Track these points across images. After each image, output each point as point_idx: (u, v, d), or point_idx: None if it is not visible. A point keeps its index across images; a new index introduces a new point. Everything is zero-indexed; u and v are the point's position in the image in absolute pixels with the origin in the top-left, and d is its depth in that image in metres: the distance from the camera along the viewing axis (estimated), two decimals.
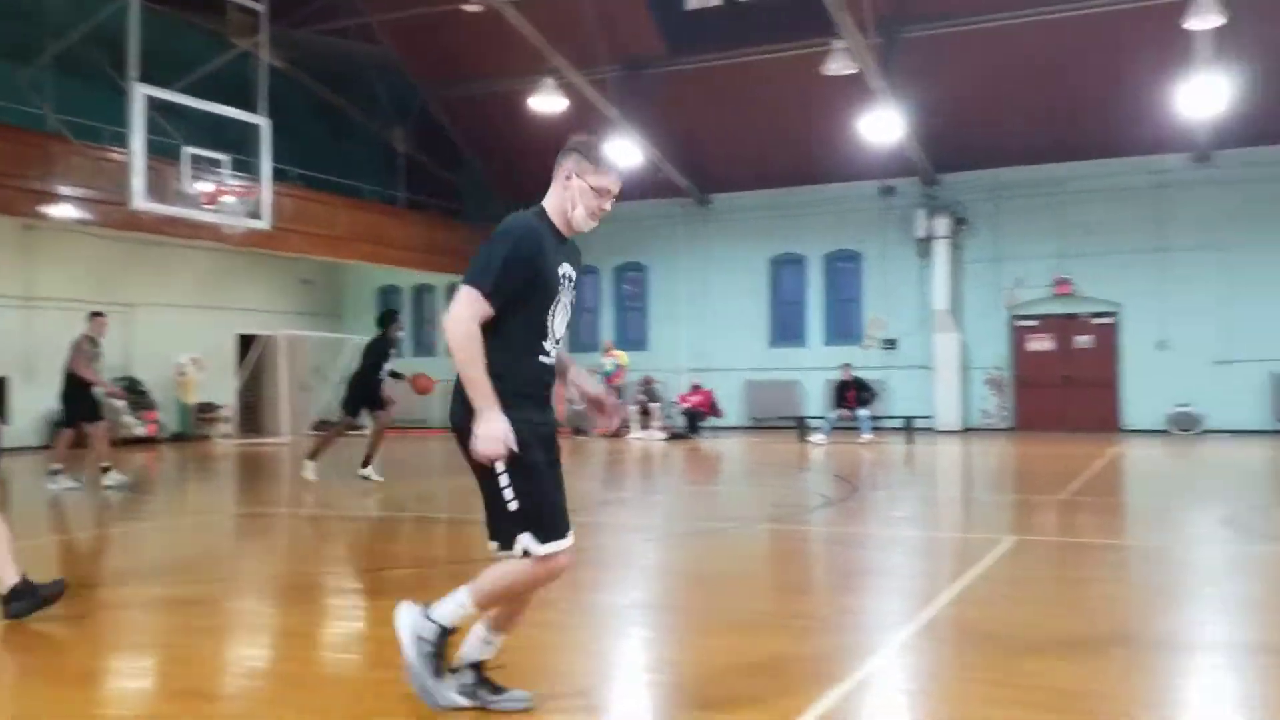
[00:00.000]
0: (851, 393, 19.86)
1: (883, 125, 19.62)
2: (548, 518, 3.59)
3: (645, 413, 21.67)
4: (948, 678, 4.36)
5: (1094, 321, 22.06)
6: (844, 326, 24.10)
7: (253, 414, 23.65)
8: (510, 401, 3.51)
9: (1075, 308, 22.08)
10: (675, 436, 20.96)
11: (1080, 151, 21.32)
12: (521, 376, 3.61)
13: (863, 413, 19.42)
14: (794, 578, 6.97)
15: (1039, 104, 20.25)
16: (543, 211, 3.84)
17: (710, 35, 21.07)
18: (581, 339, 26.46)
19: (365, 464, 12.06)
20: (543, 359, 3.67)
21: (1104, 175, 21.47)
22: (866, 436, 19.05)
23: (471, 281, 3.53)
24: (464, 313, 3.48)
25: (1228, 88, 17.60)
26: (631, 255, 25.85)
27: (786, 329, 24.62)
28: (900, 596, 6.09)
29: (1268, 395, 20.36)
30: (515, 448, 3.48)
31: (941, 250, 22.53)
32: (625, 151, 21.81)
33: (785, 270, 24.71)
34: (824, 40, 18.43)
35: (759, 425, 23.63)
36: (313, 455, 12.17)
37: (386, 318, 12.32)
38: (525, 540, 3.55)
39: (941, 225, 22.46)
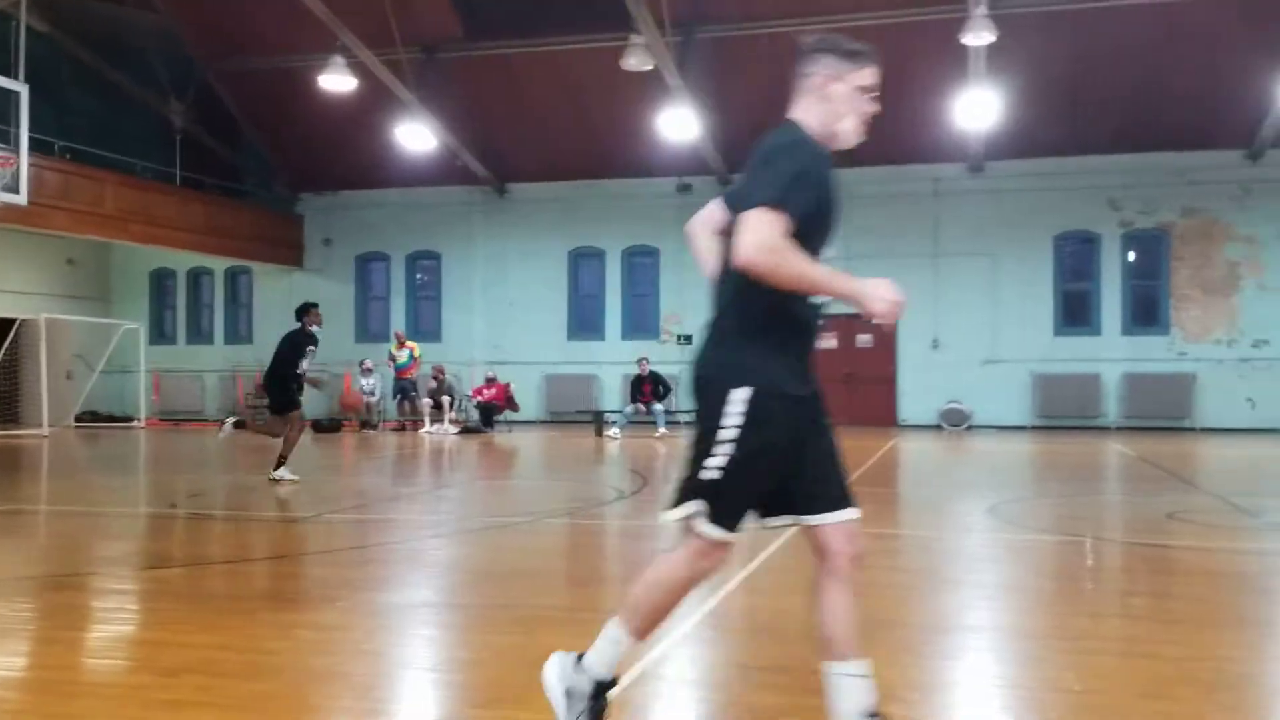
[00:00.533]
0: (648, 387, 20.10)
1: (679, 123, 19.92)
2: (738, 500, 3.09)
3: (437, 406, 21.24)
4: (727, 667, 4.40)
5: (874, 321, 23.01)
6: (642, 321, 24.38)
7: (9, 403, 21.88)
8: (767, 358, 2.99)
9: (857, 308, 23.00)
10: (468, 431, 20.65)
11: (863, 157, 22.19)
12: (789, 326, 3.06)
13: (659, 407, 19.68)
14: (584, 572, 6.93)
15: None
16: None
17: (510, 22, 20.84)
18: (371, 328, 25.80)
19: (279, 465, 11.03)
20: (815, 303, 3.06)
21: (886, 181, 22.48)
22: (663, 430, 19.31)
23: (762, 201, 2.83)
24: (762, 232, 2.80)
25: (998, 102, 18.76)
26: (425, 243, 25.36)
27: (585, 322, 24.70)
28: None
29: (1029, 393, 21.84)
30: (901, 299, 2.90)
31: None
32: (420, 137, 21.35)
33: (584, 263, 24.78)
34: (623, 35, 18.54)
35: (556, 419, 23.61)
36: (279, 464, 11.01)
37: (303, 310, 11.37)
38: (696, 508, 3.06)
39: None
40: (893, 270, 21.22)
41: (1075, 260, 22.43)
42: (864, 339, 23.09)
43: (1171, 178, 21.39)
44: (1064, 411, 21.58)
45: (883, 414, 22.76)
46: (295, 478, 11.05)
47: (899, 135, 21.43)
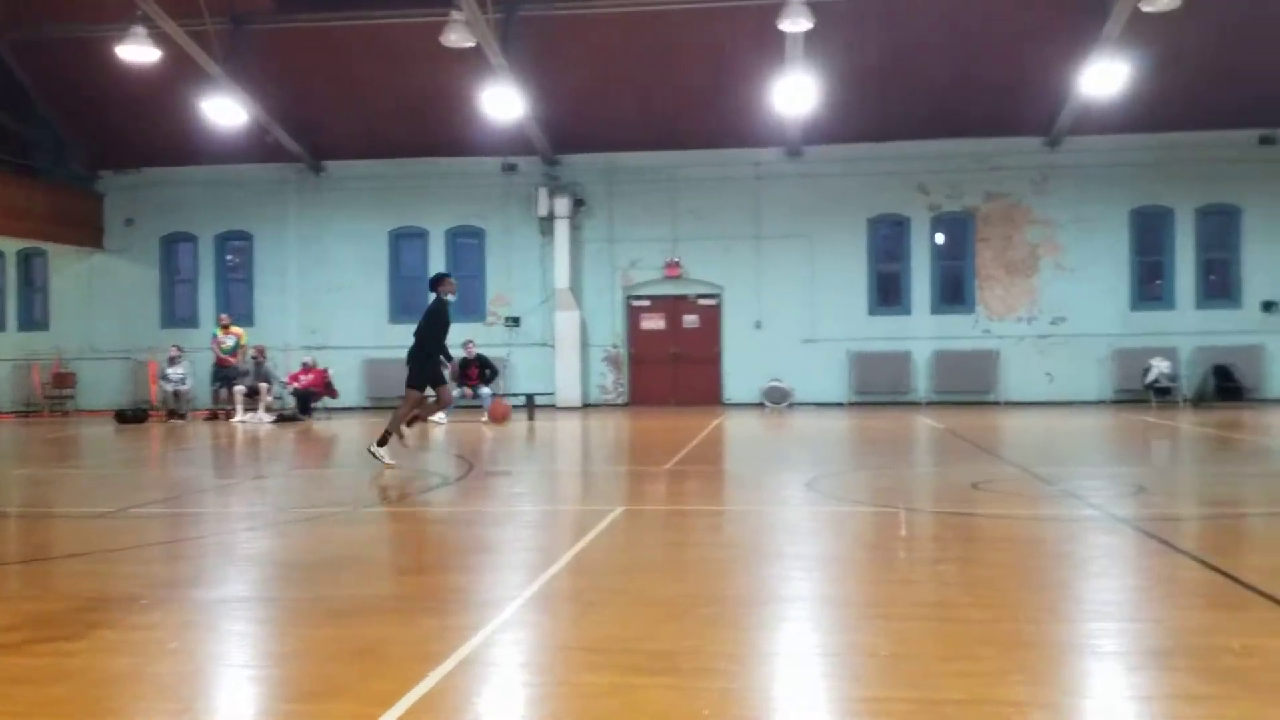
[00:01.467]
0: (475, 370, 19.86)
1: (503, 102, 19.71)
2: None
3: (253, 393, 20.36)
4: (551, 649, 4.38)
5: (700, 302, 23.48)
6: (467, 303, 24.01)
7: None
8: None
9: (684, 289, 23.38)
10: (285, 419, 19.92)
11: (689, 141, 22.56)
12: None
13: (485, 390, 19.47)
14: (404, 560, 6.79)
15: (651, 92, 21.18)
16: None
17: None
18: (177, 313, 24.66)
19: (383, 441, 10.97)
20: None
21: (710, 165, 22.86)
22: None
23: None
24: None
25: (815, 88, 19.28)
26: (236, 223, 24.37)
27: (407, 305, 24.17)
28: (512, 571, 6.08)
29: (846, 371, 22.62)
30: None
31: (562, 230, 23.04)
32: (229, 112, 20.48)
33: (406, 244, 24.28)
34: (444, 10, 18.18)
35: (378, 405, 23.05)
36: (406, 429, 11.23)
37: (437, 280, 11.30)
38: None
39: (562, 205, 22.95)
40: (718, 252, 21.83)
41: (888, 242, 23.34)
42: (691, 320, 23.45)
43: (976, 163, 22.49)
44: (878, 387, 22.47)
45: (708, 393, 23.19)
46: (394, 463, 10.92)
47: (721, 120, 21.81)
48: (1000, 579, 5.57)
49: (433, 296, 11.26)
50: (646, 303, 23.61)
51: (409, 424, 11.53)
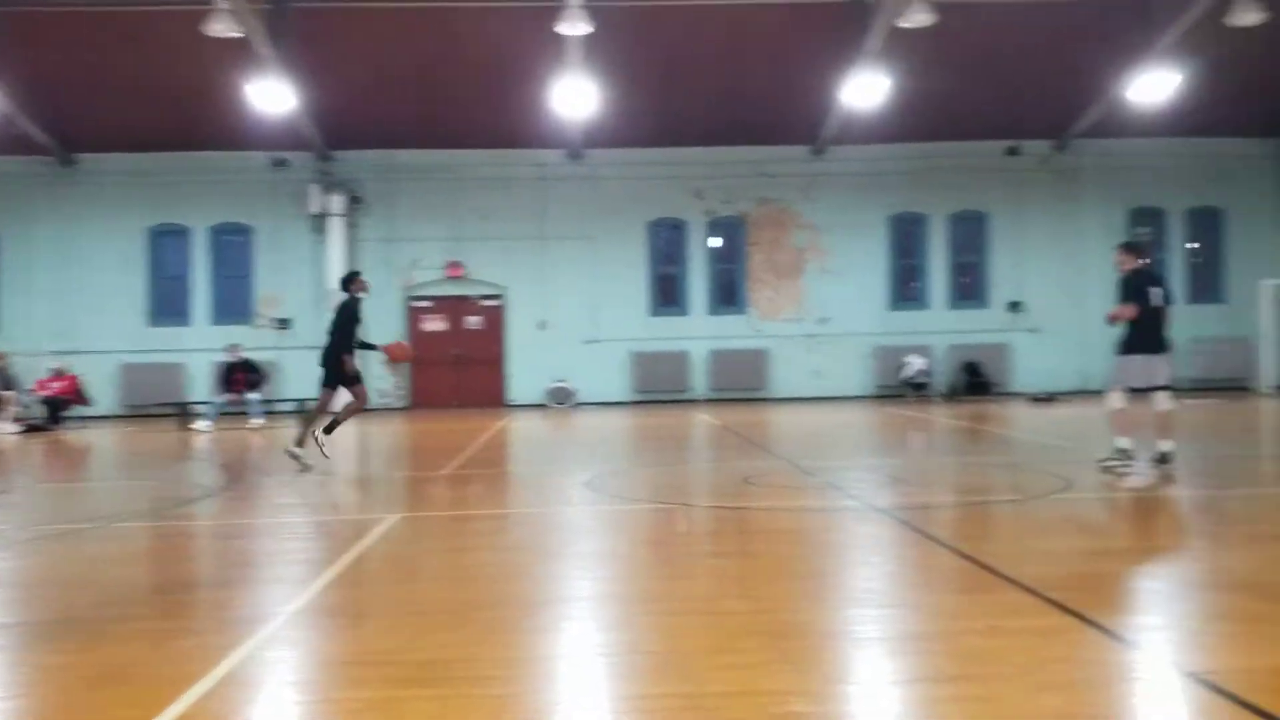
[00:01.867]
0: (240, 375, 18.99)
1: (272, 95, 18.93)
2: None
3: None
4: (317, 664, 4.22)
5: (483, 303, 23.28)
6: (233, 304, 22.99)
7: None
8: None
9: (467, 290, 23.13)
10: (33, 429, 18.44)
11: (471, 139, 22.33)
12: None
13: (252, 396, 18.66)
14: (160, 578, 6.38)
15: (432, 89, 20.81)
16: None
17: None
18: None
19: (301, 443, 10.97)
20: None
21: (494, 164, 22.72)
22: (257, 421, 18.32)
23: None
24: None
25: (595, 92, 19.46)
26: None
27: (168, 307, 22.91)
28: (277, 585, 5.82)
29: (627, 370, 22.95)
30: None
31: (337, 228, 22.35)
32: None
33: (166, 242, 22.96)
34: None
35: (136, 413, 21.72)
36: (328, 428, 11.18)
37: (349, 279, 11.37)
38: None
39: (337, 202, 22.27)
40: (500, 252, 21.63)
41: (667, 245, 23.83)
42: (474, 321, 23.22)
43: (749, 170, 23.28)
44: (658, 386, 22.92)
45: (492, 395, 23.03)
46: (311, 463, 10.88)
47: (504, 119, 21.70)
48: (767, 570, 5.76)
49: (344, 295, 11.41)
50: (428, 304, 23.21)
51: (327, 430, 11.32)
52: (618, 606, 5.08)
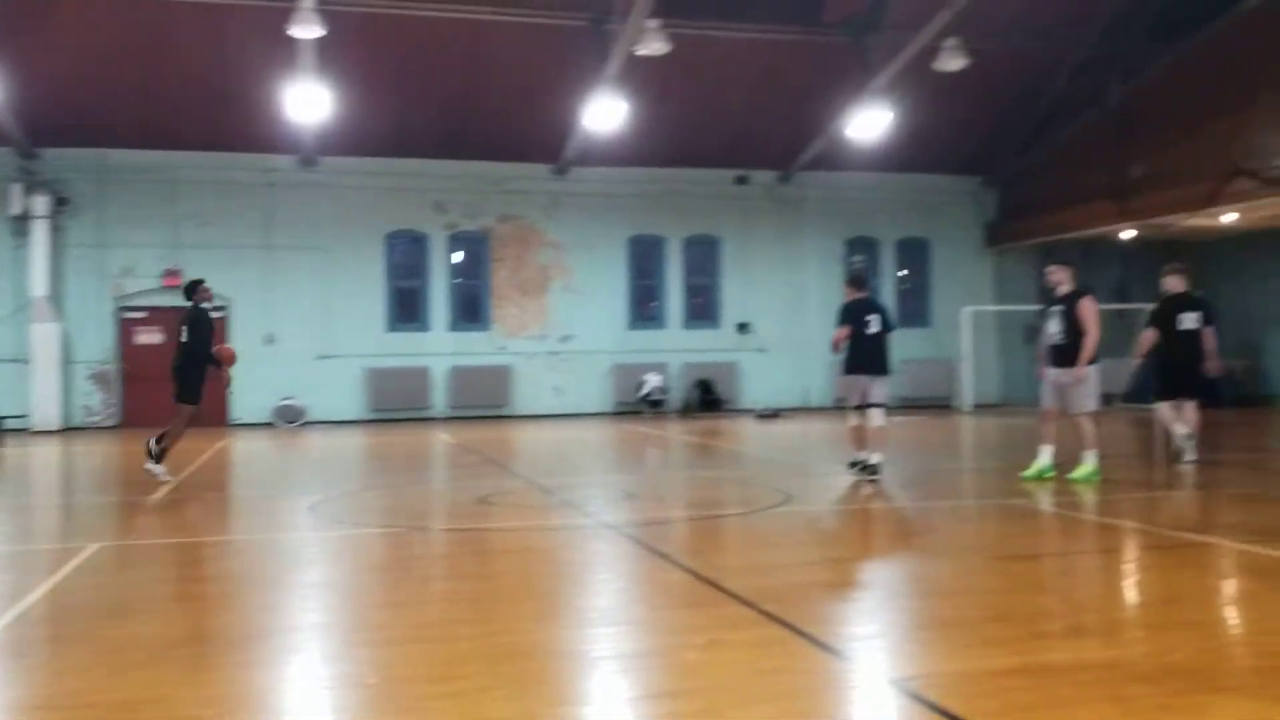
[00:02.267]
0: None
1: None
2: None
3: None
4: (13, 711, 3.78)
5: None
6: None
7: None
8: None
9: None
10: None
11: (193, 140, 21.07)
12: None
13: None
14: None
15: (150, 86, 19.49)
16: None
17: None
18: None
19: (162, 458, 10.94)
20: None
21: (216, 168, 21.52)
22: None
23: None
24: None
25: (330, 98, 18.82)
26: None
27: None
28: None
29: (362, 387, 22.27)
30: None
31: (41, 231, 20.53)
32: None
33: None
34: None
35: None
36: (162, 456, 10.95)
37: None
38: None
39: (41, 204, 20.47)
40: (223, 262, 20.53)
41: (406, 258, 23.33)
42: None
43: (492, 185, 23.16)
44: (395, 404, 22.35)
45: (214, 413, 21.67)
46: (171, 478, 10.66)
47: (229, 121, 20.63)
48: (495, 593, 5.67)
49: (190, 304, 11.30)
50: (141, 314, 21.65)
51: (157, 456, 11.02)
52: (335, 637, 4.85)
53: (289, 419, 21.49)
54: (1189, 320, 11.07)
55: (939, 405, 23.88)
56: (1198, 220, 20.42)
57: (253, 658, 4.48)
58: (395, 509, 9.43)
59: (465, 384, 22.91)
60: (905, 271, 25.93)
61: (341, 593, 5.92)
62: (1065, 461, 9.86)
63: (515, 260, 23.55)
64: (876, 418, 10.17)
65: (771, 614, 4.87)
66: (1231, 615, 5.16)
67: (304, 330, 22.05)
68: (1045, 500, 8.90)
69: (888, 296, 24.70)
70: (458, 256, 23.62)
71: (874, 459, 10.02)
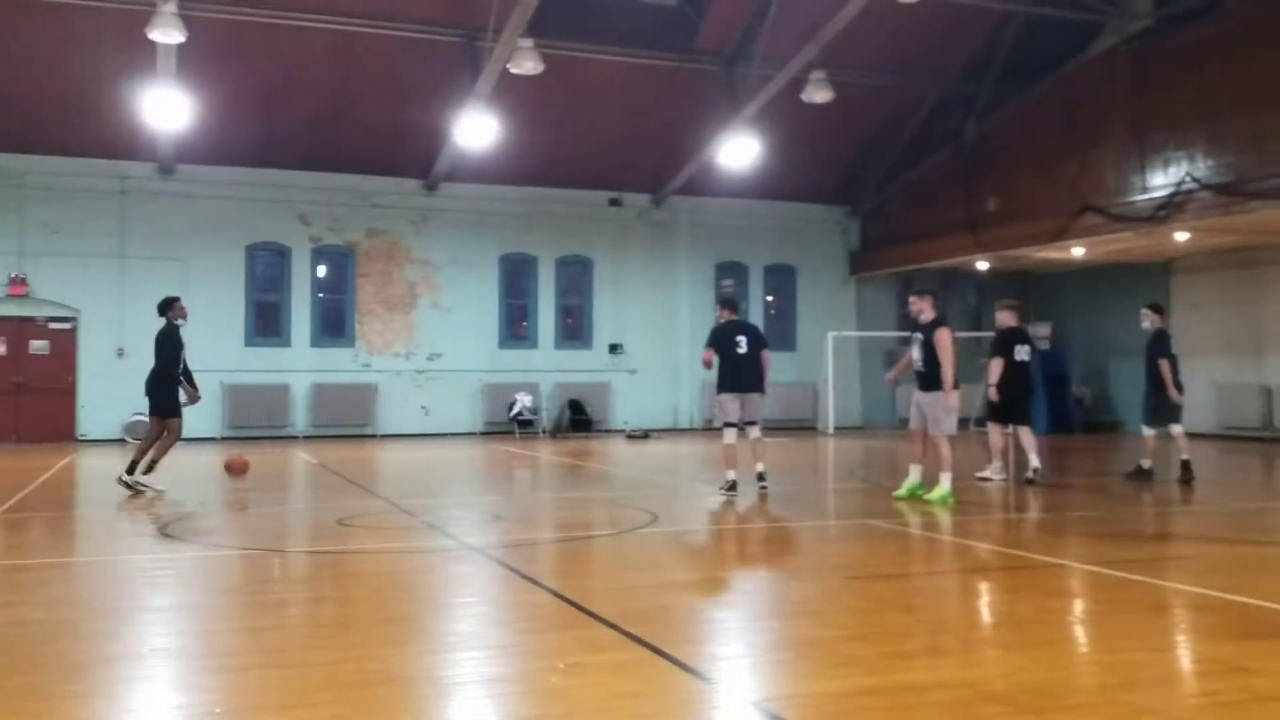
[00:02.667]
0: None
1: None
2: None
3: None
4: None
5: (52, 326, 20.93)
6: None
7: None
8: None
9: (31, 310, 20.69)
10: None
11: (41, 144, 20.10)
12: None
13: None
14: None
15: None
16: None
17: None
18: None
19: (149, 469, 11.24)
20: None
21: (68, 173, 20.57)
22: None
23: None
24: None
25: (190, 105, 18.18)
26: None
27: None
28: None
29: (220, 403, 21.47)
30: None
31: None
32: None
33: None
34: None
35: None
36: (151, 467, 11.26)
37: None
38: None
39: None
40: (74, 270, 19.61)
41: (268, 271, 22.66)
42: (39, 345, 20.81)
43: (359, 199, 22.70)
44: (254, 421, 21.63)
45: (60, 428, 20.69)
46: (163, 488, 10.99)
47: (81, 125, 19.78)
48: (351, 617, 5.51)
49: (164, 321, 11.80)
50: None
51: (146, 469, 11.37)
52: (181, 664, 4.63)
53: (138, 435, 20.54)
54: (1022, 353, 12.01)
55: (803, 427, 24.35)
56: (1048, 253, 21.37)
57: (91, 687, 4.23)
58: (250, 530, 9.09)
59: (328, 402, 22.34)
60: (772, 297, 26.40)
61: (190, 617, 5.65)
62: (925, 482, 10.15)
63: (382, 276, 23.10)
64: (754, 431, 10.83)
65: (635, 636, 4.84)
66: (1079, 635, 5.35)
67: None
68: (905, 521, 9.13)
69: (755, 321, 25.10)
70: (322, 271, 23.06)
71: (759, 467, 10.76)
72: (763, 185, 23.47)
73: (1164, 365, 11.87)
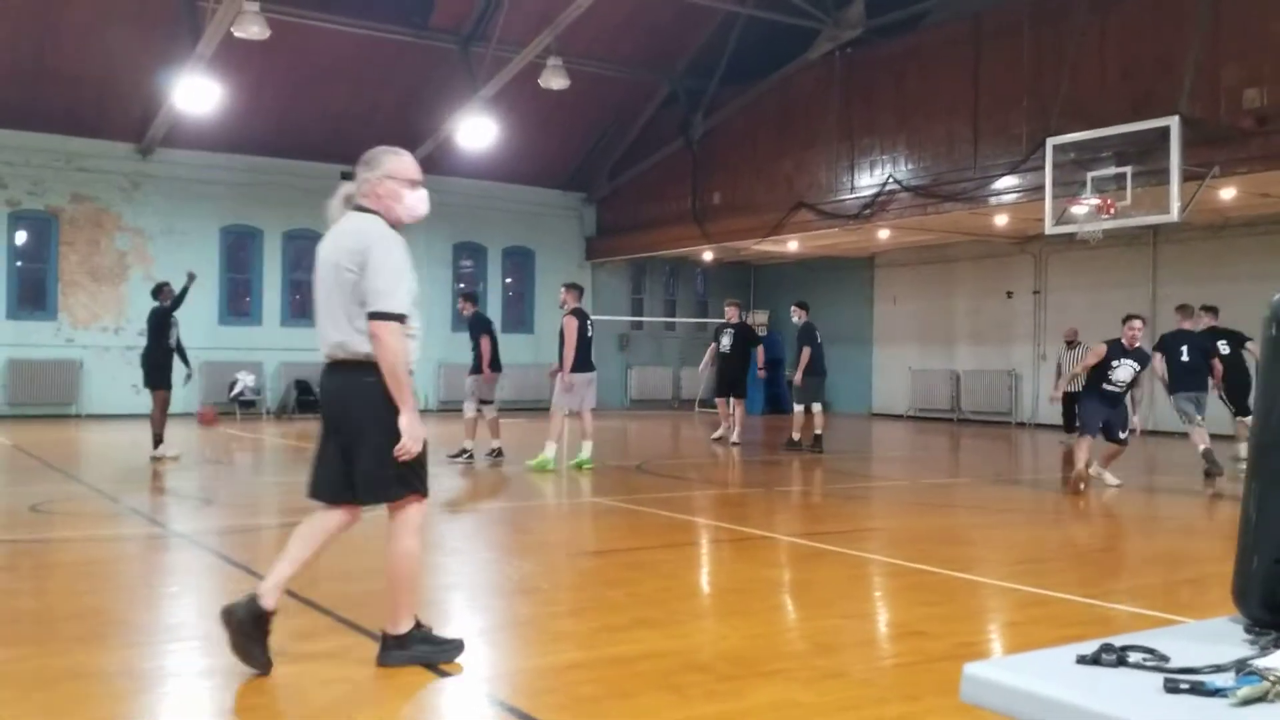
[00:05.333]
0: None
1: None
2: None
3: None
4: None
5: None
6: None
7: None
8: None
9: None
10: None
11: None
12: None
13: None
14: None
15: None
16: None
17: None
18: None
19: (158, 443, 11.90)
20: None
21: None
22: None
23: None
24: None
25: None
26: None
27: None
28: None
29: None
30: None
31: None
32: None
33: None
34: None
35: None
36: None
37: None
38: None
39: None
40: None
41: None
42: None
43: (62, 162, 20.93)
44: None
45: None
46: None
47: None
48: (39, 611, 5.17)
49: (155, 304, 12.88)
50: None
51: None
52: None
53: None
54: (726, 343, 15.30)
55: (541, 408, 24.57)
56: (766, 246, 22.52)
57: None
58: None
59: (26, 378, 20.53)
60: (510, 279, 26.46)
61: None
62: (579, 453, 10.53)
63: (88, 245, 21.42)
64: (472, 410, 12.88)
65: (349, 621, 4.82)
66: (780, 603, 5.75)
67: None
68: (622, 498, 9.44)
69: (494, 303, 25.09)
70: (21, 238, 21.14)
71: (495, 444, 12.86)
72: (501, 168, 23.45)
73: (805, 352, 14.59)
